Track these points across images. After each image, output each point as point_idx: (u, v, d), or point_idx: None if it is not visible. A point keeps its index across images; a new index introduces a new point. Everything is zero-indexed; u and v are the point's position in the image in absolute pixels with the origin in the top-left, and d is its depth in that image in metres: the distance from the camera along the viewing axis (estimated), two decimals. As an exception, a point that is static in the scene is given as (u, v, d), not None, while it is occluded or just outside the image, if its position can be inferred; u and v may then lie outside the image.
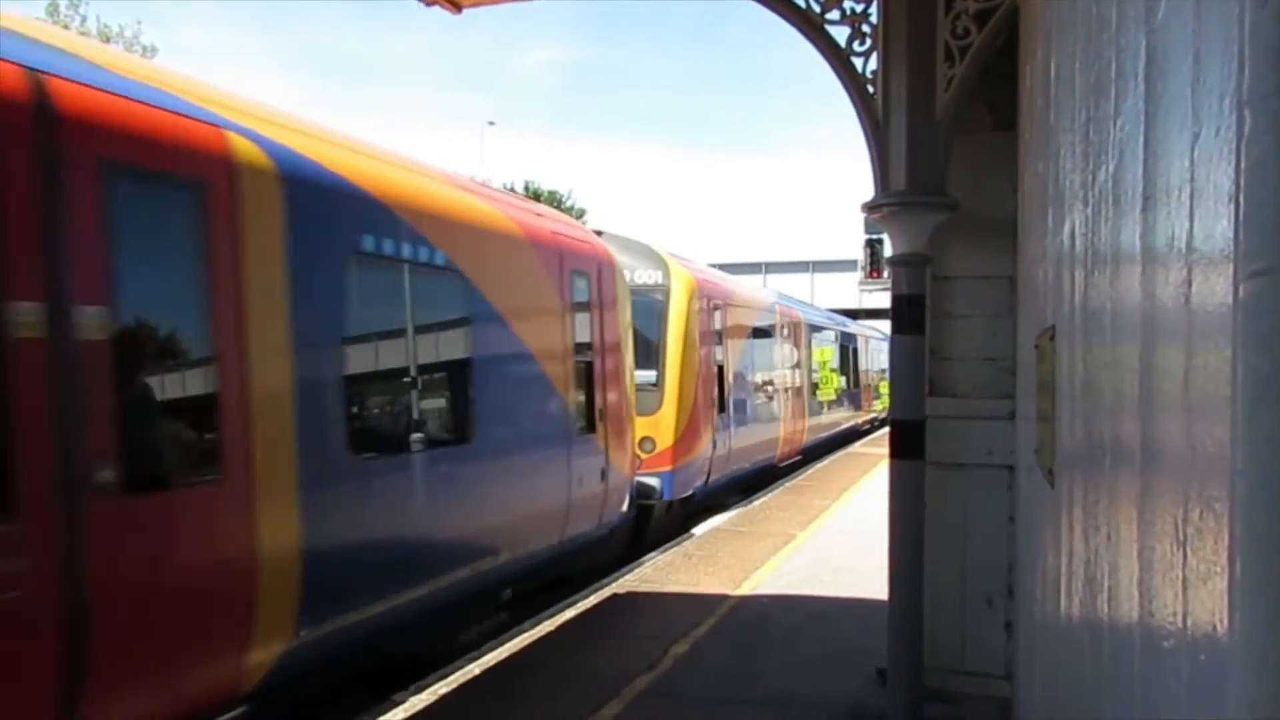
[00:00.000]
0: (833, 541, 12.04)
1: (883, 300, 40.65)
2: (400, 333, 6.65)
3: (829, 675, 6.94)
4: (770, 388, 18.08)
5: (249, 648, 5.01)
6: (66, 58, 4.46)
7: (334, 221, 5.88)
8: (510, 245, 8.05)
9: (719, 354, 14.61)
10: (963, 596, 6.14)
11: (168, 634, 4.52)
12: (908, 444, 5.81)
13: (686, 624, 8.25)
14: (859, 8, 5.78)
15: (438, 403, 7.27)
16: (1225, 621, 0.86)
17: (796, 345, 20.37)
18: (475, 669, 7.15)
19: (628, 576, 10.16)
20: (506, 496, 7.71)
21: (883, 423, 30.05)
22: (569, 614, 8.71)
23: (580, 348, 9.19)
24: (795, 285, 42.71)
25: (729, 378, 15.06)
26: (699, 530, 13.16)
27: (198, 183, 4.82)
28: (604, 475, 9.64)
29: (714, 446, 14.16)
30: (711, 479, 14.29)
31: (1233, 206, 0.83)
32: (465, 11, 7.10)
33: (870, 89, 5.74)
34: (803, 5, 5.83)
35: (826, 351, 23.69)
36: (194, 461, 4.87)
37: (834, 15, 5.82)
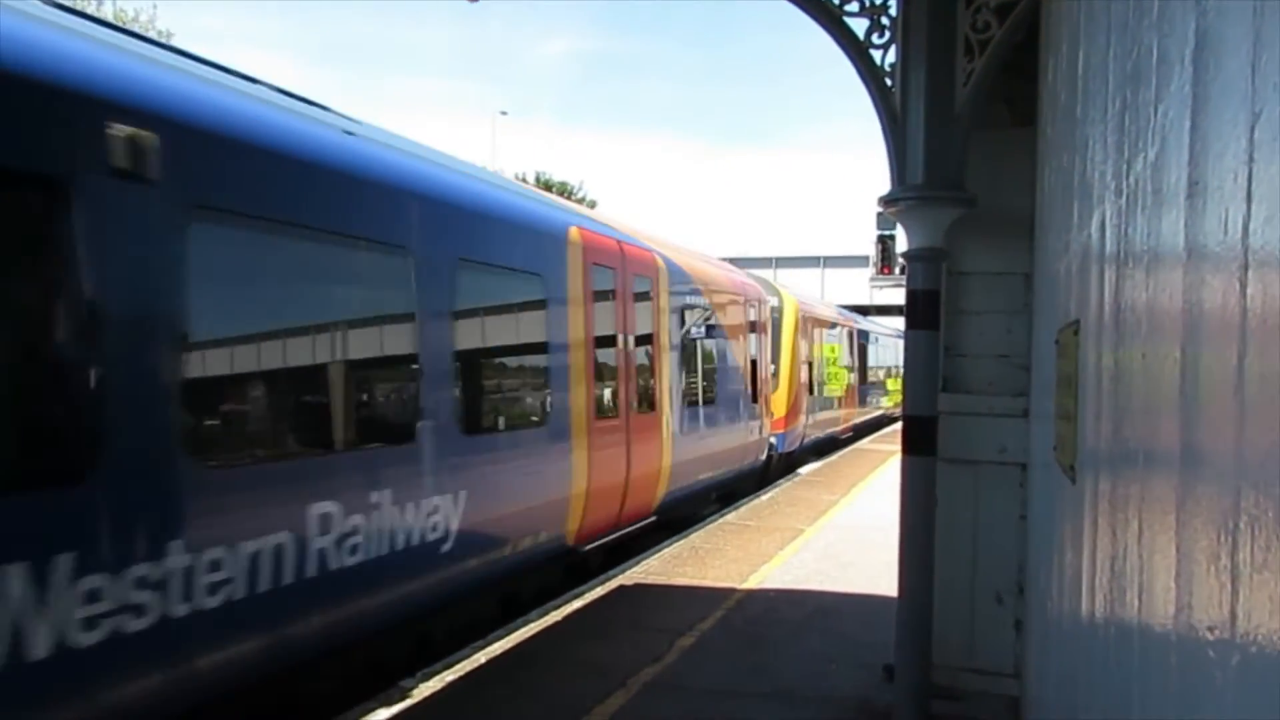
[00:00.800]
0: (841, 537, 12.02)
1: (893, 296, 40.58)
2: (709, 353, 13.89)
3: (836, 670, 6.93)
4: (836, 379, 25.15)
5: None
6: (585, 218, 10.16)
7: (692, 305, 13.07)
8: (729, 293, 14.82)
9: (808, 354, 21.15)
10: (972, 594, 6.12)
11: None
12: (920, 440, 5.78)
13: (693, 617, 8.24)
14: (879, 0, 5.74)
15: (711, 385, 13.99)
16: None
17: (852, 347, 27.65)
18: (482, 658, 7.16)
19: (634, 569, 10.16)
20: (729, 438, 14.63)
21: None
22: (575, 605, 8.71)
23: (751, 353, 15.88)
24: (805, 280, 42.63)
25: (814, 372, 21.86)
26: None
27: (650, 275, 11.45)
28: (760, 430, 16.44)
29: (806, 419, 20.87)
30: (804, 442, 20.91)
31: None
32: (479, 1, 7.07)
33: (888, 82, 5.70)
34: (822, -4, 5.79)
35: (871, 352, 31.17)
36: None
37: (853, 7, 5.77)
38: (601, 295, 9.85)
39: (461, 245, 7.30)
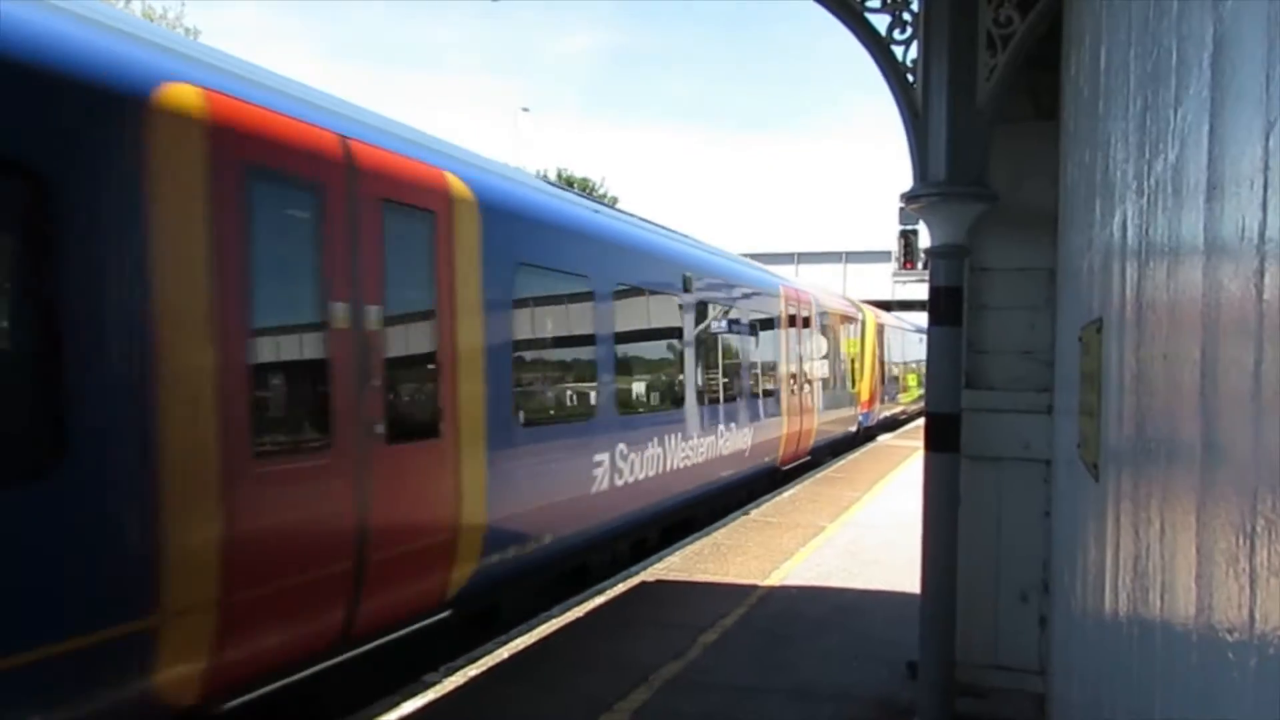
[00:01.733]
0: (863, 534, 12.00)
1: (916, 292, 40.35)
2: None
3: (858, 667, 6.93)
4: (897, 374, 32.58)
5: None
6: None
7: (826, 325, 20.74)
8: (846, 315, 22.20)
9: (880, 354, 27.87)
10: (996, 591, 6.09)
11: None
12: (943, 437, 5.77)
13: (715, 613, 8.26)
14: (900, -4, 5.72)
15: (833, 379, 20.98)
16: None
17: (905, 346, 33.75)
18: (504, 653, 7.21)
19: (656, 565, 10.19)
20: (842, 413, 22.01)
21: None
22: (598, 601, 8.75)
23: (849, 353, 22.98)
24: (828, 276, 42.48)
25: (883, 368, 28.66)
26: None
27: None
28: (855, 409, 23.76)
29: (880, 403, 28.12)
30: (878, 419, 27.73)
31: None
32: (501, 0, 7.08)
33: (910, 78, 5.69)
34: (843, -7, 5.78)
35: (920, 349, 39.75)
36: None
37: (874, 3, 5.76)
38: (790, 323, 17.46)
39: (723, 296, 13.78)
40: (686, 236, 13.97)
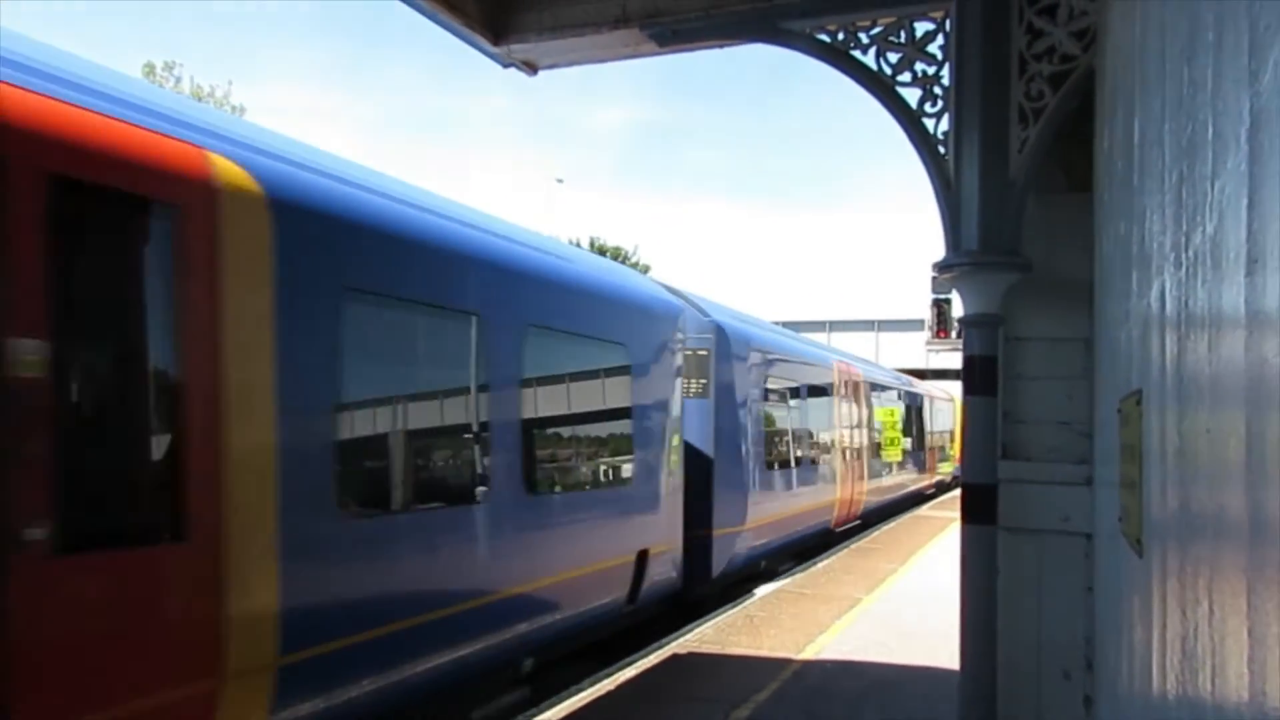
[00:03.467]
0: (900, 607, 11.74)
1: (950, 360, 40.09)
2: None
3: (896, 747, 6.73)
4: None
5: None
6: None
7: (886, 404, 24.83)
8: (924, 393, 30.71)
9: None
10: (1038, 668, 5.91)
11: None
12: (980, 508, 5.67)
13: (748, 688, 8.08)
14: (930, 70, 5.81)
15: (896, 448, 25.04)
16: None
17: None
18: (533, 727, 7.09)
19: (688, 637, 10.02)
20: (905, 480, 26.99)
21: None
22: (629, 673, 8.60)
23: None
24: (860, 344, 42.36)
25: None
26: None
27: None
28: (929, 474, 31.17)
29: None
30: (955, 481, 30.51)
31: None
32: (541, 73, 7.29)
33: (942, 150, 5.73)
34: (874, 68, 5.88)
35: None
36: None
37: (905, 77, 5.85)
38: (841, 392, 19.24)
39: (806, 378, 16.96)
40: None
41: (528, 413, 7.53)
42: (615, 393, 9.12)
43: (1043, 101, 5.44)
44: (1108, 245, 4.66)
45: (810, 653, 9.35)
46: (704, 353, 11.57)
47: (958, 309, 6.02)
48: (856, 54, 5.95)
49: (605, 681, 8.28)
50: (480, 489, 6.82)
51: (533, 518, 7.58)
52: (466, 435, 6.90)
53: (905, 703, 7.77)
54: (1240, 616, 1.34)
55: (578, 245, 46.82)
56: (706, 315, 11.89)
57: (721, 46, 6.84)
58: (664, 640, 9.79)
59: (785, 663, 8.94)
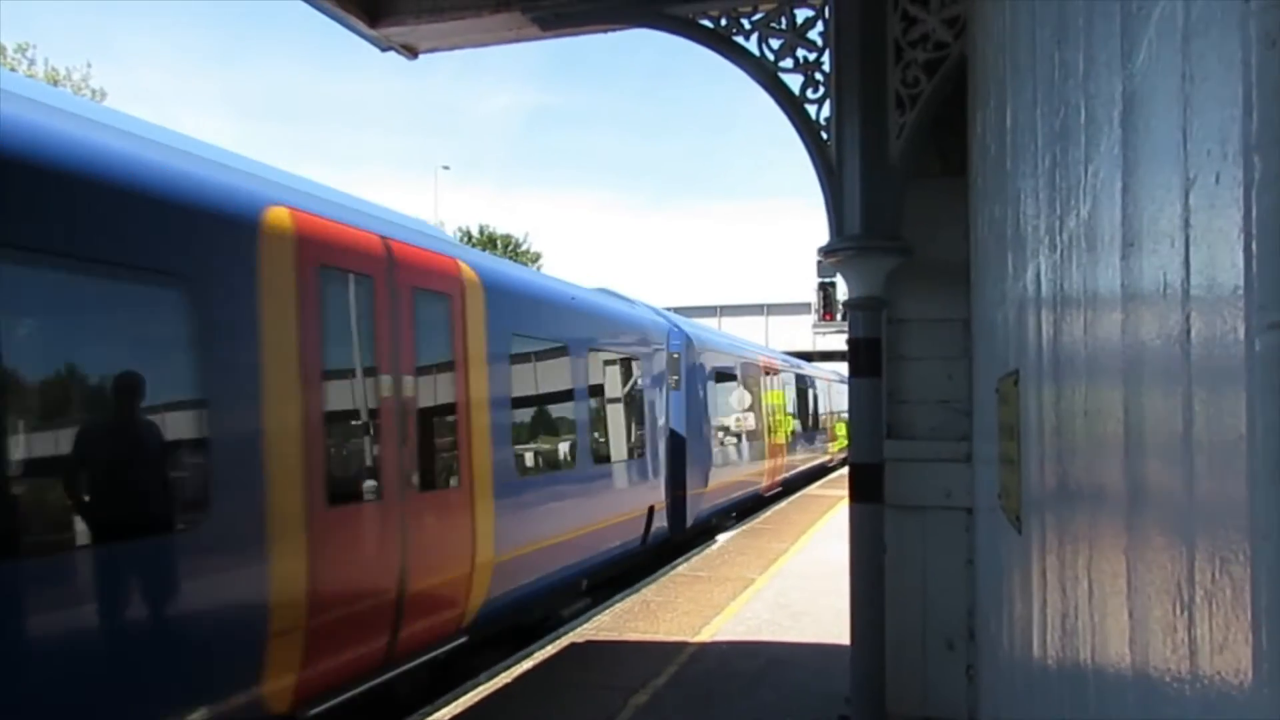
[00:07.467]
0: (792, 585, 11.97)
1: (836, 342, 41.13)
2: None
3: (792, 724, 6.84)
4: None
5: None
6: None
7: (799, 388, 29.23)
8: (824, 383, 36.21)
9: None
10: (924, 640, 6.09)
11: None
12: (866, 487, 5.79)
13: (646, 673, 8.10)
14: (811, 56, 5.87)
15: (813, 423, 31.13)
16: (1246, 682, 0.82)
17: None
18: (429, 726, 6.93)
19: (585, 625, 9.99)
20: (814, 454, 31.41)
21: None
22: (526, 665, 8.51)
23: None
24: (750, 328, 43.03)
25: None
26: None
27: None
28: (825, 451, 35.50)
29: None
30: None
31: (1243, 255, 0.80)
32: (422, 56, 7.07)
33: (824, 135, 5.81)
34: (757, 54, 5.90)
35: None
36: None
37: (787, 64, 5.89)
38: (766, 382, 22.23)
39: (745, 372, 20.44)
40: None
41: (594, 407, 11.04)
42: (633, 390, 12.70)
43: (918, 88, 5.56)
44: (982, 229, 4.79)
45: (706, 635, 9.44)
46: (677, 356, 15.36)
47: (843, 292, 6.12)
48: (739, 40, 5.97)
49: (502, 675, 8.17)
50: (576, 460, 10.35)
51: (598, 480, 11.13)
52: (564, 422, 10.44)
53: (799, 678, 7.91)
54: (1121, 597, 1.36)
55: (467, 234, 46.02)
56: (679, 328, 15.95)
57: (606, 31, 6.76)
58: (560, 630, 9.75)
59: (682, 646, 9.00)
